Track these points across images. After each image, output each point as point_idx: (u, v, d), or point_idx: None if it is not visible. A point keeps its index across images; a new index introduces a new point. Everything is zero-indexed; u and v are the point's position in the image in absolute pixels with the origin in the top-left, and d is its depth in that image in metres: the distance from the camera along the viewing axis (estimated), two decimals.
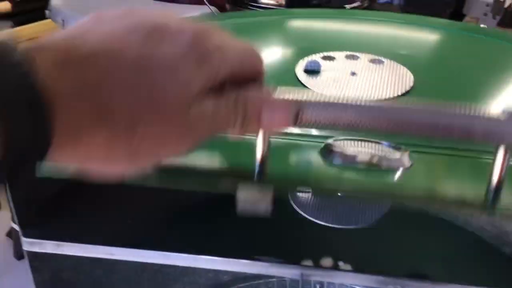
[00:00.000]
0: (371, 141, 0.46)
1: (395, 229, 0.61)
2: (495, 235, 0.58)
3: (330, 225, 0.60)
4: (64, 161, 0.28)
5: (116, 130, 0.26)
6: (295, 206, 0.62)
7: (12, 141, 0.23)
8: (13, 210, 0.58)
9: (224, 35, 0.31)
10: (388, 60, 0.65)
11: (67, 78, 0.24)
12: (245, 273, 1.04)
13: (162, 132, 0.28)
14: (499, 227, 0.57)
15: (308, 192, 0.65)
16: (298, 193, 0.64)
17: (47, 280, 0.65)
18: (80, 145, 0.26)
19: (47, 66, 0.24)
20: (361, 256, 0.59)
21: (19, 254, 1.82)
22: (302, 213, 0.61)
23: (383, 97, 0.56)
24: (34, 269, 0.63)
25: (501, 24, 1.48)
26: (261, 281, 1.11)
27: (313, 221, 0.61)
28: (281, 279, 1.12)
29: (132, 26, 0.27)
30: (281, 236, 0.62)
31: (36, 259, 0.62)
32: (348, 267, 0.56)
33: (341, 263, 0.57)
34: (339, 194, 0.51)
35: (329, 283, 1.10)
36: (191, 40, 0.28)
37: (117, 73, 0.26)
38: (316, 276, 0.57)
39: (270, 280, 1.12)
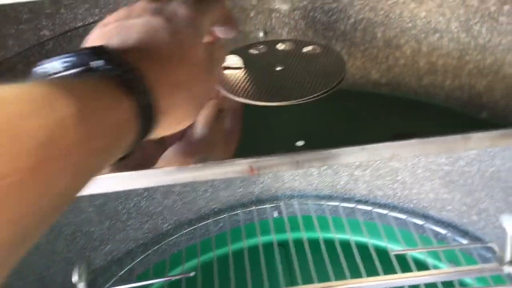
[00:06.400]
0: None
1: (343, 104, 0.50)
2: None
3: (269, 103, 0.48)
4: (161, 133, 0.35)
5: (185, 92, 0.35)
6: (223, 90, 0.49)
7: (141, 120, 0.30)
8: None
9: None
10: None
11: (162, 77, 0.33)
12: (189, 218, 0.90)
13: (203, 81, 0.37)
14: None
15: (239, 67, 0.52)
16: (225, 72, 0.51)
17: None
18: (171, 115, 0.34)
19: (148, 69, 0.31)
20: (321, 132, 0.47)
21: None
22: (233, 96, 0.48)
23: None
24: None
25: None
26: (208, 220, 0.94)
27: (248, 103, 0.48)
28: (232, 214, 0.97)
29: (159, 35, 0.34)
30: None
31: None
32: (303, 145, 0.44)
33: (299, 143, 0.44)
34: None
35: (287, 205, 0.97)
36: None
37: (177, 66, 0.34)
38: (267, 168, 0.43)
39: (219, 217, 0.96)
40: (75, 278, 0.53)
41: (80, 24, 0.70)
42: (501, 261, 0.54)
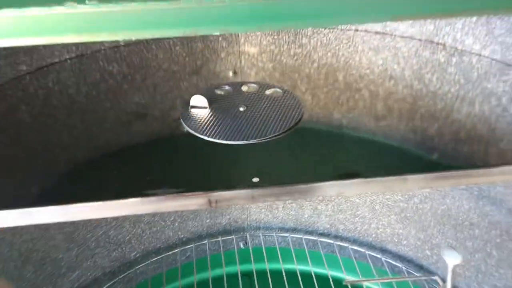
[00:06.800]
0: None
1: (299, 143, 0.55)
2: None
3: (230, 142, 0.52)
4: None
5: None
6: (188, 128, 0.53)
7: None
8: None
9: None
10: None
11: None
12: (157, 247, 0.91)
13: None
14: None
15: (204, 107, 0.56)
16: (191, 109, 0.55)
17: None
18: None
19: None
20: (275, 170, 0.51)
21: None
22: (197, 134, 0.52)
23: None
24: None
25: None
26: (175, 250, 0.96)
27: (210, 141, 0.52)
28: (199, 244, 0.99)
29: None
30: (178, 162, 0.51)
31: None
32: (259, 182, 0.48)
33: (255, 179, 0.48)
34: None
35: (252, 237, 1.00)
36: None
37: None
38: (224, 201, 0.47)
39: (187, 247, 0.98)
40: None
41: (57, 60, 0.74)
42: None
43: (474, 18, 0.69)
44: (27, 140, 0.63)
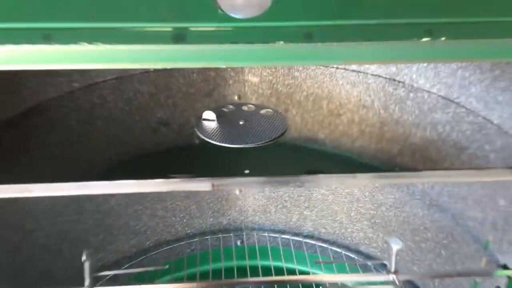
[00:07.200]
0: None
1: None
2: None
3: (231, 145, 0.71)
4: None
5: None
6: (200, 134, 0.73)
7: None
8: None
9: None
10: None
11: None
12: (167, 239, 1.09)
13: None
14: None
15: (213, 120, 0.76)
16: (203, 122, 0.75)
17: None
18: None
19: None
20: (263, 167, 0.71)
21: None
22: (207, 139, 0.72)
23: None
24: None
25: None
26: (182, 242, 1.14)
27: (216, 145, 0.72)
28: (202, 239, 1.17)
29: None
30: (192, 158, 0.71)
31: None
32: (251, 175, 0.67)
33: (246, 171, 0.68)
34: None
35: (248, 236, 1.17)
36: None
37: None
38: (225, 184, 0.66)
39: (192, 240, 1.15)
40: (84, 258, 0.74)
41: (101, 80, 0.94)
42: (388, 272, 0.77)
43: (426, 64, 0.89)
44: (74, 141, 0.83)
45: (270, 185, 0.68)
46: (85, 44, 0.50)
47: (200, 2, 0.53)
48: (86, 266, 0.74)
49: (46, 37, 0.50)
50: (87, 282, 0.74)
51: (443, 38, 0.54)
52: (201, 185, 0.66)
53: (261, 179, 0.66)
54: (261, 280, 0.79)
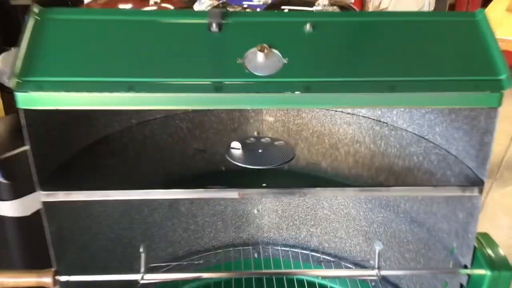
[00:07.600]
0: None
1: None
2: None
3: (252, 167, 0.97)
4: None
5: None
6: (229, 158, 0.99)
7: None
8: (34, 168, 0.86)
9: None
10: None
11: None
12: (197, 249, 1.33)
13: None
14: None
15: (238, 148, 1.02)
16: (231, 149, 1.01)
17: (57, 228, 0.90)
18: None
19: None
20: (276, 183, 0.96)
21: None
22: (233, 161, 0.98)
23: None
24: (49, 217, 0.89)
25: None
26: (209, 253, 1.37)
27: (241, 166, 0.97)
28: (226, 251, 1.39)
29: None
30: (223, 176, 0.97)
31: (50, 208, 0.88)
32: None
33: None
34: None
35: (264, 249, 1.40)
36: None
37: None
38: (248, 194, 0.91)
39: (218, 251, 1.38)
40: (141, 249, 0.98)
41: (152, 118, 1.22)
42: (373, 268, 0.99)
43: (402, 108, 1.15)
44: (130, 165, 1.09)
45: (281, 195, 0.92)
46: (152, 92, 0.77)
47: (233, 65, 0.80)
48: (142, 257, 0.99)
49: (130, 87, 0.78)
50: (142, 269, 0.99)
51: (401, 92, 0.80)
52: (230, 194, 0.91)
53: (275, 190, 0.91)
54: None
